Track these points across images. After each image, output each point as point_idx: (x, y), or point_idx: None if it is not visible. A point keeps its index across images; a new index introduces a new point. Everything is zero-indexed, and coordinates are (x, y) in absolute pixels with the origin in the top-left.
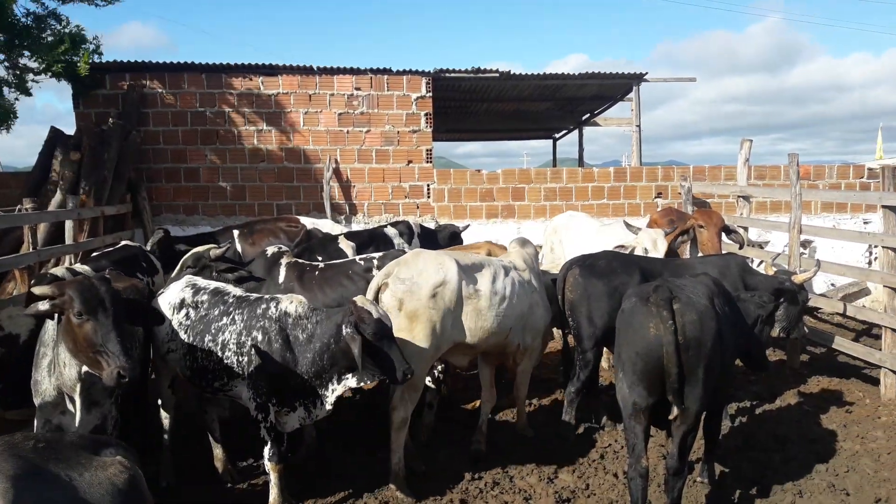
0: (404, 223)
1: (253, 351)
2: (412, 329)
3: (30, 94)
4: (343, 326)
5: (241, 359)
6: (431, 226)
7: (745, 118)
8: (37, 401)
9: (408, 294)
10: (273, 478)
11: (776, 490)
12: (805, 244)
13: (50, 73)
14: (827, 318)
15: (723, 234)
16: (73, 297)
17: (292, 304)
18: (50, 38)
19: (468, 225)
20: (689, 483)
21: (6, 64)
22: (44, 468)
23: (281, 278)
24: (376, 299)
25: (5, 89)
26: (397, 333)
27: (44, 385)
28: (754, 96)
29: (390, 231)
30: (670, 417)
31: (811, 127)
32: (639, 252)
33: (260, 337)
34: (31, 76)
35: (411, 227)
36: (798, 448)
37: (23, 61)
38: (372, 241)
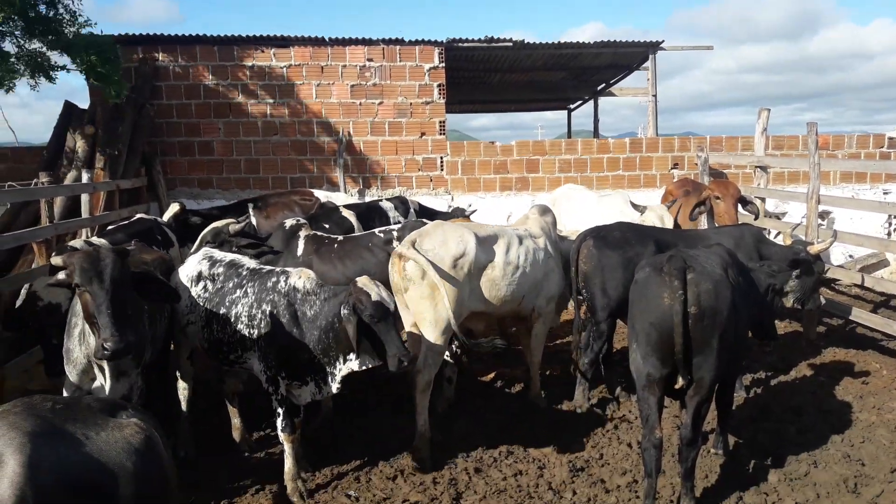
0: (399, 198)
1: (262, 324)
2: (434, 297)
3: (53, 81)
4: (342, 306)
5: (251, 331)
6: (447, 199)
7: (764, 88)
8: (68, 368)
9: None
10: (287, 448)
11: (791, 460)
12: (823, 215)
13: (83, 74)
14: (845, 290)
15: (739, 205)
16: (74, 268)
17: (301, 279)
18: (70, 29)
19: (475, 210)
20: (704, 453)
21: (21, 49)
22: (60, 427)
23: (299, 251)
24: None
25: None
26: (420, 301)
27: (75, 353)
28: (774, 65)
29: (385, 204)
30: (676, 387)
31: (832, 96)
32: None
33: (269, 310)
34: (52, 65)
35: (406, 201)
36: (813, 419)
37: (34, 45)
38: (369, 212)
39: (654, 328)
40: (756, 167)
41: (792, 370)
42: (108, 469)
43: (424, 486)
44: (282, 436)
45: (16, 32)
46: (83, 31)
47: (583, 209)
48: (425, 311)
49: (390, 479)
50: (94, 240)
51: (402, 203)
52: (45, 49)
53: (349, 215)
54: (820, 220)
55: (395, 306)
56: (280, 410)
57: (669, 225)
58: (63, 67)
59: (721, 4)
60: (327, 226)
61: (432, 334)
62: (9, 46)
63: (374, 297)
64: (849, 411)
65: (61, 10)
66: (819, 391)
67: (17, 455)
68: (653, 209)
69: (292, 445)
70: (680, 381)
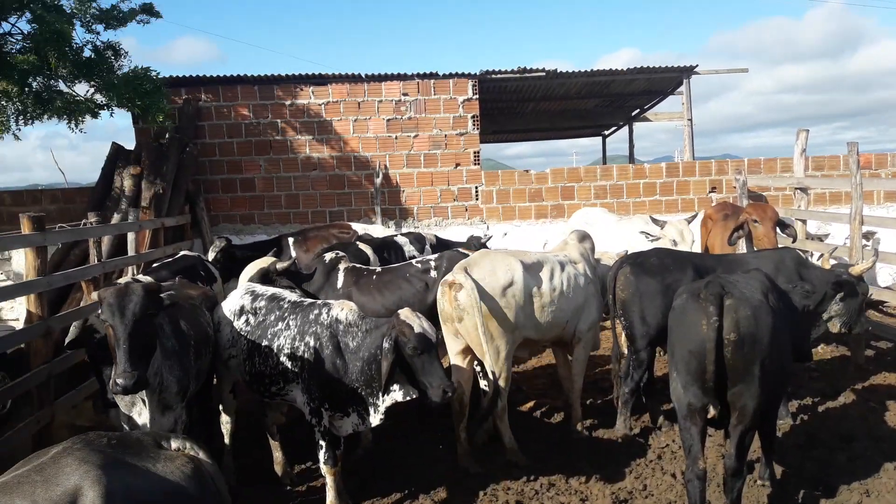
0: (415, 233)
1: (305, 356)
2: (489, 327)
3: (96, 117)
4: (384, 339)
5: (294, 363)
6: (482, 228)
7: (804, 108)
8: (117, 401)
9: (481, 294)
10: (329, 480)
11: (842, 489)
12: (868, 235)
13: (126, 109)
14: (893, 312)
15: (777, 228)
16: (101, 303)
17: (343, 311)
18: (118, 72)
19: (490, 237)
20: (750, 483)
21: (65, 93)
22: (122, 460)
23: (339, 283)
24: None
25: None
26: (473, 331)
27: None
28: (814, 84)
29: (401, 239)
30: (708, 416)
31: (874, 114)
32: (666, 245)
33: (312, 342)
34: (98, 103)
35: (423, 237)
36: (864, 445)
37: (82, 89)
38: (384, 247)
39: (693, 356)
40: (796, 189)
41: (840, 395)
42: (170, 496)
43: None
44: (324, 468)
45: (61, 74)
46: (125, 69)
47: (601, 232)
48: (483, 341)
49: None
50: (141, 277)
51: (417, 239)
52: (90, 92)
53: (365, 248)
54: (865, 241)
55: (437, 338)
56: (322, 443)
57: (689, 239)
58: (104, 106)
59: (759, 25)
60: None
61: (495, 362)
62: (61, 86)
63: (417, 329)
64: None
65: (108, 53)
66: (869, 416)
67: (96, 486)
68: (672, 224)
69: (334, 478)
70: (712, 411)
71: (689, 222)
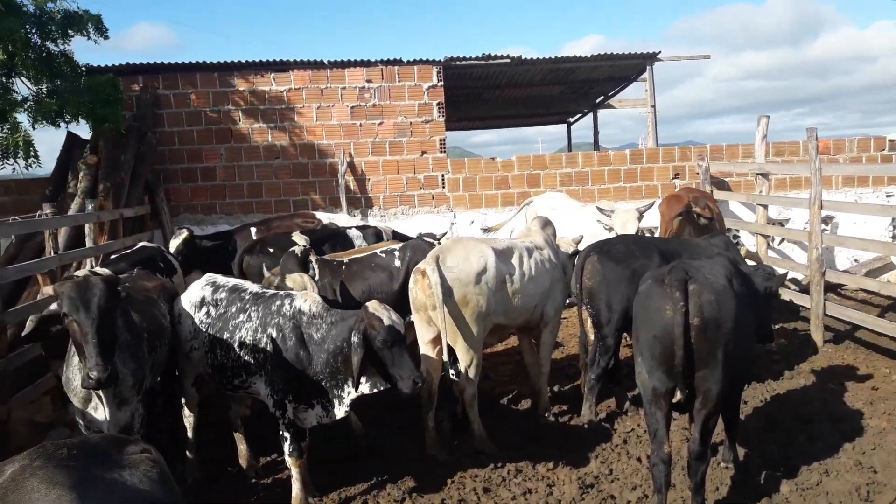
0: (372, 228)
1: (268, 348)
2: (462, 314)
3: (58, 127)
4: (353, 332)
5: (257, 355)
6: (448, 216)
7: (765, 94)
8: (71, 397)
9: (456, 281)
10: (294, 473)
11: (802, 470)
12: (827, 220)
13: (83, 118)
14: (851, 295)
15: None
16: (61, 298)
17: (307, 302)
18: (82, 83)
19: (445, 233)
20: (713, 466)
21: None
22: (91, 473)
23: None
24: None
25: (25, 121)
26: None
27: (74, 382)
28: (775, 71)
29: (353, 232)
30: (674, 401)
31: (833, 100)
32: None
33: (275, 334)
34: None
35: (379, 231)
36: (823, 427)
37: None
38: (329, 240)
39: (658, 341)
40: (757, 174)
41: (800, 378)
42: None
43: None
44: (289, 461)
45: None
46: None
47: (560, 219)
48: (457, 328)
49: (398, 501)
50: (98, 269)
51: (374, 234)
52: (45, 95)
53: (301, 240)
54: (824, 226)
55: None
56: (287, 435)
57: (631, 229)
58: (63, 118)
59: (721, 12)
60: (272, 250)
61: (467, 349)
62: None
63: (387, 322)
64: (859, 418)
65: (62, 60)
66: (828, 398)
67: None
68: (618, 213)
69: (299, 470)
70: (678, 395)
71: (645, 210)
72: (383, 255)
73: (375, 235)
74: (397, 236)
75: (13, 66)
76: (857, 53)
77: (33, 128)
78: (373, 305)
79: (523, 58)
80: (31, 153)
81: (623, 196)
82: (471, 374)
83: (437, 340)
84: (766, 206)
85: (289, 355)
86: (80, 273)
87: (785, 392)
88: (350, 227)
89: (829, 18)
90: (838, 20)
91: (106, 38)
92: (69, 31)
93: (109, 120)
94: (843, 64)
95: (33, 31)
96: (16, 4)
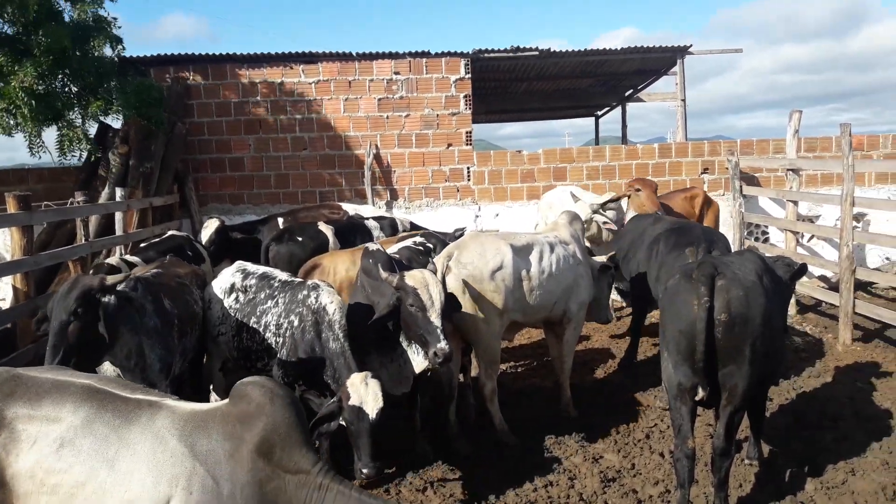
0: (389, 219)
1: (287, 333)
2: (477, 310)
3: (98, 122)
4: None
5: (277, 339)
6: (473, 209)
7: (801, 88)
8: None
9: (470, 278)
10: None
11: (828, 469)
12: (858, 217)
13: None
14: (882, 293)
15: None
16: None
17: (332, 304)
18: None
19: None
20: (737, 462)
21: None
22: None
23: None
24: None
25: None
26: (462, 315)
27: (104, 366)
28: (813, 64)
29: (371, 223)
30: (697, 398)
31: (871, 95)
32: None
33: (296, 322)
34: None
35: (395, 222)
36: (850, 426)
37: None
38: (352, 230)
39: (684, 336)
40: (788, 170)
41: (827, 376)
42: None
43: (454, 497)
44: None
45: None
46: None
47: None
48: (472, 325)
49: (420, 490)
50: (129, 257)
51: (390, 225)
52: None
53: (326, 230)
54: (855, 223)
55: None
56: None
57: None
58: (108, 115)
59: (763, 3)
60: (300, 239)
61: (483, 346)
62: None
63: (353, 402)
64: (887, 418)
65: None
66: (856, 397)
67: None
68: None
69: None
70: (700, 393)
71: (613, 200)
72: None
73: (392, 227)
74: (415, 227)
75: (62, 70)
76: None
77: (84, 124)
78: (353, 381)
79: (552, 50)
80: (89, 145)
81: None
82: (489, 369)
83: (454, 335)
84: (796, 203)
85: (304, 346)
86: (111, 260)
87: (812, 390)
88: (367, 219)
89: (873, 10)
90: (883, 13)
91: (123, 48)
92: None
93: (153, 120)
94: (883, 58)
95: (75, 38)
96: (58, 13)
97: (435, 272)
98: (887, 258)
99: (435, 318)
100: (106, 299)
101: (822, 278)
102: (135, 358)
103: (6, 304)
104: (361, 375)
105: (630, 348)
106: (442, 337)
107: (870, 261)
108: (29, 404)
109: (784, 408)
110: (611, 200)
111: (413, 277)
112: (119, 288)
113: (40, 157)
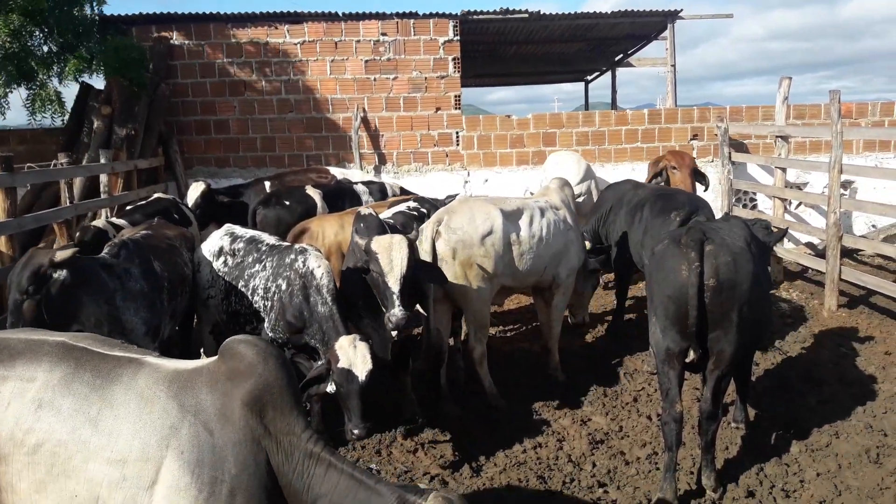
0: (378, 183)
1: (276, 297)
2: (467, 275)
3: (78, 82)
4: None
5: (266, 303)
6: (462, 174)
7: (791, 55)
8: None
9: (460, 243)
10: None
11: (812, 431)
12: (846, 185)
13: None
14: (867, 260)
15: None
16: None
17: (320, 268)
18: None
19: (455, 195)
20: (724, 425)
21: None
22: None
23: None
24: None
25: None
26: (453, 280)
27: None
28: (803, 31)
29: (360, 188)
30: (687, 361)
31: (860, 63)
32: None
33: (284, 286)
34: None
35: (384, 186)
36: (835, 390)
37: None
38: (340, 194)
39: (672, 301)
40: (777, 137)
41: (812, 341)
42: None
43: (445, 458)
44: None
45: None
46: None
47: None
48: (462, 290)
49: (411, 452)
50: (115, 220)
51: (379, 189)
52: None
53: (314, 194)
54: (843, 190)
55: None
56: None
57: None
58: (84, 72)
59: None
60: (288, 203)
61: (473, 310)
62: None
63: (342, 365)
64: (871, 382)
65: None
66: (840, 362)
67: None
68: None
69: None
70: (691, 355)
71: (653, 177)
72: None
73: (381, 191)
74: (405, 193)
75: (39, 28)
76: (890, 16)
77: (60, 84)
78: (341, 343)
79: (542, 13)
80: (60, 108)
81: (640, 156)
82: (478, 333)
83: (444, 299)
84: (784, 170)
85: (292, 309)
86: (98, 223)
87: (797, 355)
88: (357, 183)
89: None
90: None
91: (104, 4)
92: None
93: (135, 81)
94: (874, 26)
95: None
96: None
97: (416, 238)
98: (874, 225)
99: (393, 284)
100: (57, 275)
101: (809, 245)
102: (107, 325)
103: None
104: (350, 338)
105: (617, 312)
106: (397, 303)
107: (856, 228)
108: (2, 365)
109: (770, 372)
110: (652, 177)
111: (378, 241)
112: (102, 254)
113: (4, 118)
